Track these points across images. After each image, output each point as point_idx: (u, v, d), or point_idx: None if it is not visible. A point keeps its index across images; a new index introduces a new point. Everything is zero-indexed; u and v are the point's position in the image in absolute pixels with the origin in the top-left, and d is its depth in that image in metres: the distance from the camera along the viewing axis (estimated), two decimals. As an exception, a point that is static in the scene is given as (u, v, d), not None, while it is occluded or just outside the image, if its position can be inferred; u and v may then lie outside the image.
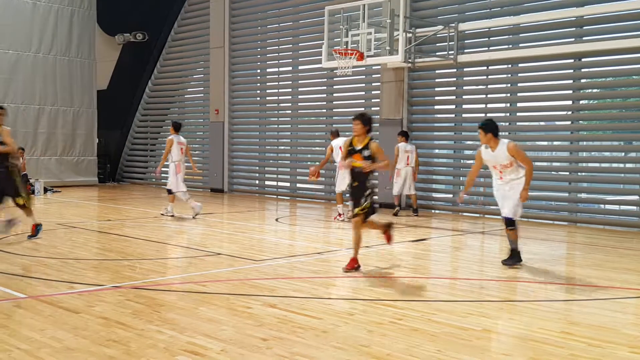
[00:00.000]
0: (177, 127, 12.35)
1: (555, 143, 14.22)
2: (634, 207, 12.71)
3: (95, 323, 4.84)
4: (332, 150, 11.81)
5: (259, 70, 19.30)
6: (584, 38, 12.64)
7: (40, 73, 19.78)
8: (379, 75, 15.20)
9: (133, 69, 22.08)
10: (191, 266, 7.63)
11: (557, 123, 13.61)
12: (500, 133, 7.50)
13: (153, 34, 21.50)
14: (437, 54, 13.78)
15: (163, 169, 12.74)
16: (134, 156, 22.94)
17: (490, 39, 13.86)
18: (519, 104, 14.01)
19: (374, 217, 7.26)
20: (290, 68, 18.26)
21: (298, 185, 18.20)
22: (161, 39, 21.50)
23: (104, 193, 18.63)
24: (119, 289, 6.01)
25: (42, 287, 6.05)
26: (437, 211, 14.49)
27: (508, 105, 14.13)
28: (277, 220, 12.88)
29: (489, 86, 14.36)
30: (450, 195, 14.50)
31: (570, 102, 13.32)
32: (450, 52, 13.43)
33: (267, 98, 18.94)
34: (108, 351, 4.20)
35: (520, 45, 13.35)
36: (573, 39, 12.61)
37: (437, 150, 15.26)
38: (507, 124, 13.84)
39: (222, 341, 4.45)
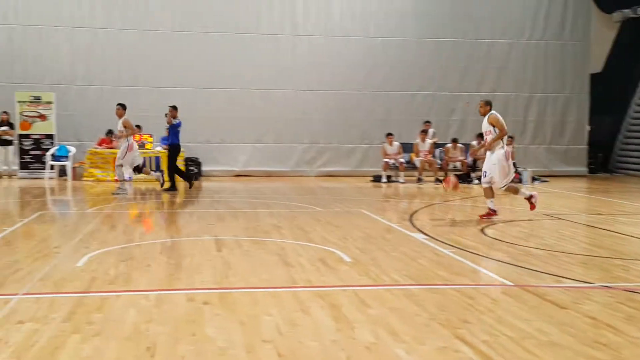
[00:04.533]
0: (125, 108, 13.96)
1: None
2: None
3: (582, 322, 4.80)
4: None
5: None
6: None
7: (531, 60, 20.62)
8: None
9: (632, 47, 20.89)
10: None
11: None
12: None
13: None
14: None
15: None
16: (629, 144, 21.72)
17: None
18: None
19: None
20: None
21: None
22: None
23: (595, 184, 18.24)
24: (609, 289, 5.81)
25: (528, 277, 6.31)
26: None
27: None
28: None
29: None
30: None
31: None
32: None
33: None
34: (595, 353, 4.11)
35: None
36: None
37: None
38: None
39: None
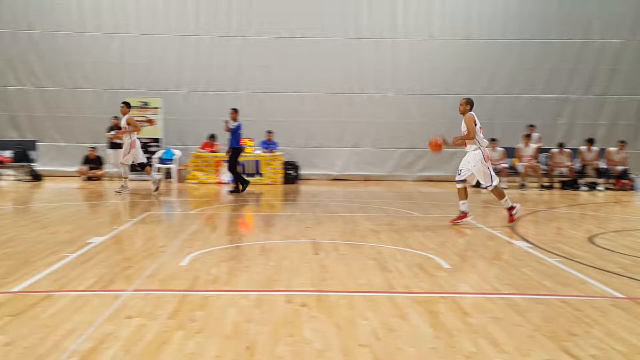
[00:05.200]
0: (130, 106, 14.59)
1: None
2: None
3: (702, 340, 4.50)
4: None
5: None
6: None
7: None
8: None
9: None
10: None
11: None
12: None
13: None
14: None
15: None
16: None
17: None
18: None
19: None
20: None
21: None
22: None
23: None
24: None
25: (640, 289, 5.99)
26: None
27: None
28: None
29: None
30: None
31: None
32: None
33: None
34: None
35: None
36: None
37: None
38: None
39: None
